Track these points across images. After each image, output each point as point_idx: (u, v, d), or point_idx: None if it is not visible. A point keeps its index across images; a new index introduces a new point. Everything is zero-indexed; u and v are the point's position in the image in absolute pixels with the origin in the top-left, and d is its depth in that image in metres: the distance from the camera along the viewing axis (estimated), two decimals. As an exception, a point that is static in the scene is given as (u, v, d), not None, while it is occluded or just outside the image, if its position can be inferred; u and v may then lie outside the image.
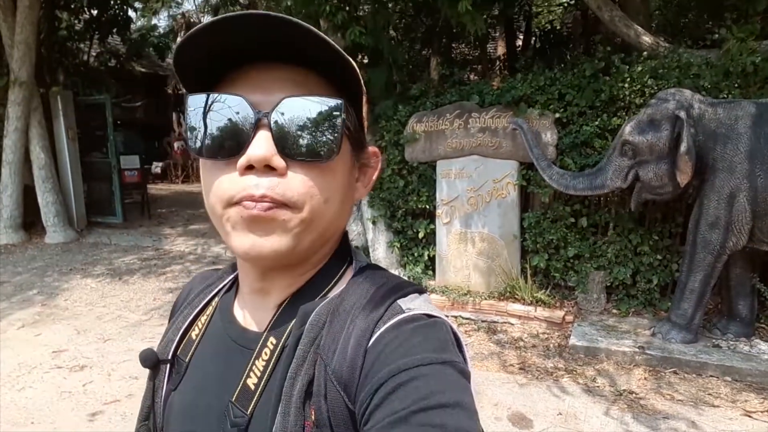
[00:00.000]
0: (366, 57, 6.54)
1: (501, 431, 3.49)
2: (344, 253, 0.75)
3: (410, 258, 6.16)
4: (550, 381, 4.10)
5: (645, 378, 4.12)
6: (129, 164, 10.56)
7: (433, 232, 5.95)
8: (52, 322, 5.41)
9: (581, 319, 5.06)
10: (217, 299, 0.81)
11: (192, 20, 20.26)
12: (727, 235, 4.13)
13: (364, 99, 0.69)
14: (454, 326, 0.65)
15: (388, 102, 6.00)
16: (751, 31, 4.69)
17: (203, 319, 0.79)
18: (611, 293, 5.32)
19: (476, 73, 8.08)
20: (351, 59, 0.63)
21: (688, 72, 4.70)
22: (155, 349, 0.79)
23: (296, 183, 0.61)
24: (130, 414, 3.70)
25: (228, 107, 0.61)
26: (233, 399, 0.66)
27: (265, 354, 0.66)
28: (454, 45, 9.96)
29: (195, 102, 0.63)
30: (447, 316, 0.66)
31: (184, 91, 0.67)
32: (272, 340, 0.67)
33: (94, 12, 10.83)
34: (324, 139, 0.62)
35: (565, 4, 8.32)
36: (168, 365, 0.77)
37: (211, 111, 0.62)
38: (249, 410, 0.64)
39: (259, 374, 0.66)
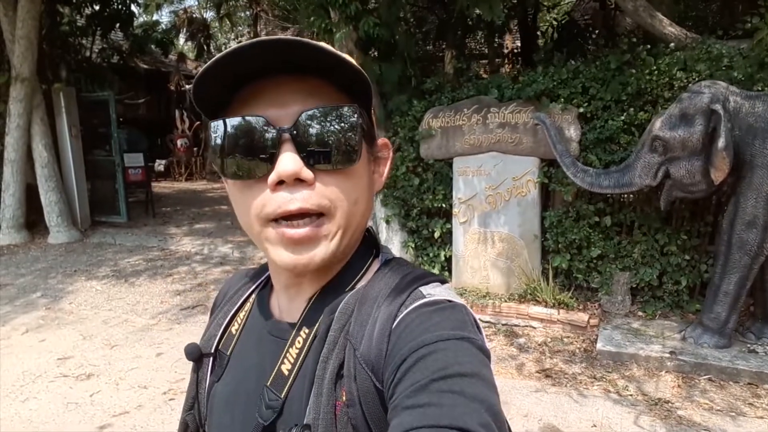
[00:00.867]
0: (377, 51, 6.33)
1: (532, 445, 3.30)
2: (369, 247, 0.79)
3: (425, 258, 5.96)
4: (578, 389, 3.91)
5: (678, 385, 3.93)
6: (133, 162, 10.36)
7: (450, 232, 5.75)
8: (56, 326, 5.23)
9: (606, 322, 4.86)
10: (254, 296, 0.85)
11: (194, 16, 20.08)
12: (765, 235, 3.92)
13: (372, 95, 0.71)
14: (474, 314, 0.68)
15: (402, 97, 5.79)
16: (787, 21, 4.48)
17: (242, 314, 0.83)
18: (636, 295, 5.11)
19: (489, 67, 7.86)
20: (354, 62, 0.65)
21: (719, 63, 4.48)
22: (198, 344, 0.83)
23: (327, 191, 0.65)
24: (140, 427, 3.52)
25: (249, 127, 0.64)
26: (268, 384, 0.70)
27: (298, 342, 0.70)
28: (466, 39, 9.81)
29: (217, 127, 0.66)
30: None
31: (203, 117, 0.70)
32: (305, 329, 0.71)
33: (97, 7, 10.62)
34: (345, 145, 0.66)
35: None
36: (211, 358, 0.81)
37: (233, 134, 0.65)
38: (283, 393, 0.68)
39: (293, 361, 0.69)
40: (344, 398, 0.63)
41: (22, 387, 4.05)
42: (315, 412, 0.64)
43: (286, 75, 0.64)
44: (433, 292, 0.68)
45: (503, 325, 5.04)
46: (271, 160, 0.63)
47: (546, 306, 5.03)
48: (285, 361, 0.70)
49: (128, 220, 9.88)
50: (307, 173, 0.63)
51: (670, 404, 3.68)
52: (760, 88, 4.28)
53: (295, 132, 0.63)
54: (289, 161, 0.62)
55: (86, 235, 9.09)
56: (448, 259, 5.84)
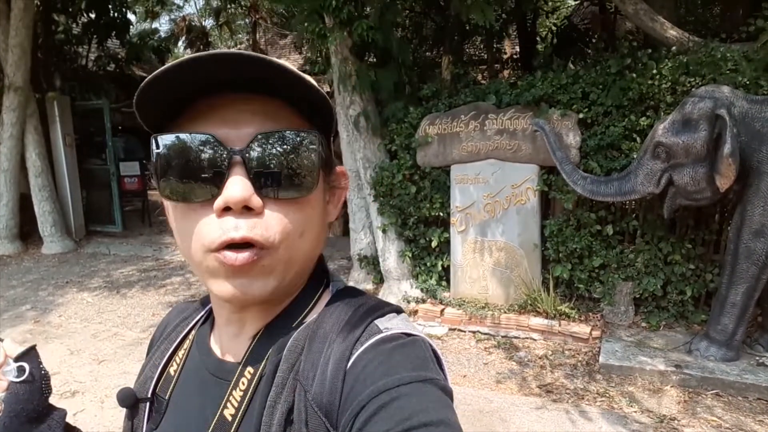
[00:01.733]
0: (374, 56, 6.22)
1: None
2: (320, 277, 0.73)
3: (423, 268, 5.82)
4: (580, 405, 3.76)
5: (684, 401, 3.77)
6: (129, 171, 10.25)
7: (447, 241, 5.61)
8: (44, 341, 5.09)
9: (609, 334, 4.71)
10: (194, 332, 0.78)
11: (193, 24, 20.02)
12: (774, 244, 3.78)
13: (333, 121, 0.69)
14: (434, 344, 0.65)
15: (398, 104, 5.66)
16: (792, 22, 4.35)
17: (181, 353, 0.76)
18: (640, 305, 4.96)
19: (488, 73, 7.73)
20: (317, 85, 0.61)
21: (723, 67, 4.35)
22: (133, 387, 0.76)
23: (274, 222, 0.60)
24: (123, 448, 3.37)
25: (198, 146, 0.59)
26: (209, 431, 0.64)
27: (243, 384, 0.65)
28: (465, 45, 9.69)
29: (161, 142, 0.60)
30: (427, 335, 0.66)
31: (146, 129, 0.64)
32: (249, 369, 0.65)
33: (93, 15, 10.54)
34: (301, 175, 0.61)
35: None
36: (147, 404, 0.74)
37: (178, 152, 0.60)
38: None
39: (236, 405, 0.64)
40: None
41: (4, 405, 3.91)
42: None
43: (242, 93, 0.60)
44: (389, 325, 0.64)
45: (503, 337, 4.90)
46: (218, 183, 0.58)
47: (546, 317, 4.88)
48: (228, 405, 0.64)
49: (124, 229, 9.77)
50: (256, 201, 0.58)
51: (675, 422, 3.53)
52: (766, 92, 4.15)
53: (247, 155, 0.59)
54: (237, 186, 0.57)
55: (81, 245, 8.98)
56: (446, 269, 5.70)
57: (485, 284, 5.38)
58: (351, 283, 0.83)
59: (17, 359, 0.71)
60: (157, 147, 0.60)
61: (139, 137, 15.34)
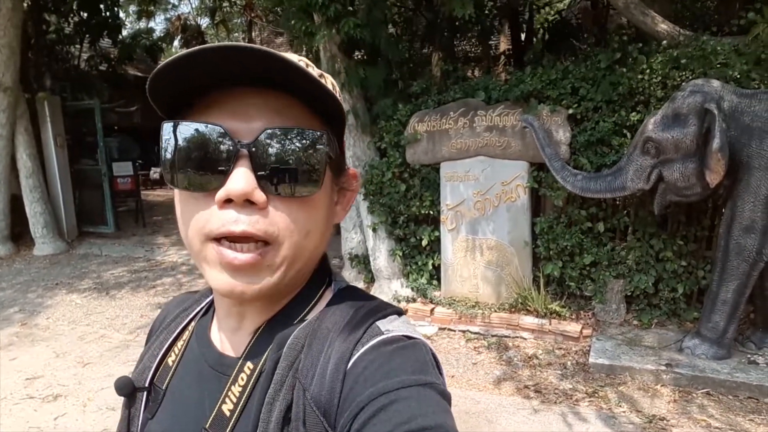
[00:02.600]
0: (363, 54, 6.15)
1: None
2: (322, 275, 0.73)
3: (413, 267, 5.76)
4: (569, 406, 3.70)
5: (674, 400, 3.72)
6: (122, 171, 10.20)
7: (438, 240, 5.55)
8: (30, 344, 5.03)
9: (600, 332, 4.65)
10: (193, 323, 0.78)
11: (189, 23, 19.93)
12: (764, 240, 3.72)
13: (344, 121, 0.68)
14: (433, 348, 0.65)
15: (388, 101, 5.60)
16: (784, 15, 4.28)
17: (180, 344, 0.76)
18: (631, 303, 4.90)
19: (480, 69, 7.67)
20: (331, 89, 0.61)
21: (714, 61, 4.28)
22: (131, 376, 0.75)
23: (278, 218, 0.59)
24: (103, 453, 3.32)
25: (205, 136, 0.59)
26: (207, 426, 0.64)
27: (242, 379, 0.64)
28: (457, 42, 9.59)
29: (169, 130, 0.60)
30: (427, 337, 0.73)
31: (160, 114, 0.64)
32: (249, 365, 0.65)
33: (84, 15, 10.47)
34: (307, 173, 0.61)
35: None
36: (145, 393, 0.74)
37: (187, 140, 0.59)
38: None
39: (235, 400, 0.63)
40: None
41: (-15, 410, 3.86)
42: None
43: (254, 87, 0.60)
44: (391, 327, 0.64)
45: (493, 336, 4.84)
46: (223, 174, 0.58)
47: (537, 316, 4.83)
48: (227, 400, 0.64)
49: (117, 230, 9.71)
50: (259, 195, 0.58)
51: (665, 421, 3.47)
52: (756, 86, 4.09)
53: (254, 149, 0.58)
54: (241, 179, 0.57)
55: (73, 246, 8.92)
56: (437, 268, 5.64)
57: (476, 283, 5.32)
58: (345, 283, 0.77)
59: None
60: (165, 133, 0.60)
61: (134, 137, 15.35)
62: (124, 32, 14.94)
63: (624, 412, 3.59)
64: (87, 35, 10.77)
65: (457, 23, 5.96)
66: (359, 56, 6.25)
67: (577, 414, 3.59)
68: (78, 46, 10.93)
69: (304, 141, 0.60)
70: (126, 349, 4.87)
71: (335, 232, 7.90)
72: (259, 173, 0.58)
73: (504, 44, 11.33)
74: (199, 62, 0.56)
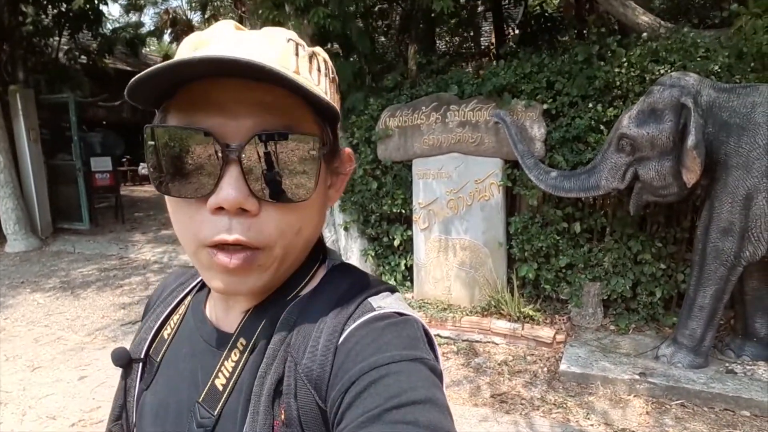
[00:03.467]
0: (336, 45, 5.93)
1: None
2: (316, 253, 0.72)
3: (386, 268, 5.55)
4: (534, 418, 3.48)
5: (647, 412, 3.51)
6: (100, 166, 9.95)
7: (411, 239, 5.34)
8: (-19, 345, 4.82)
9: (574, 338, 4.45)
10: (189, 298, 0.79)
11: (178, 17, 19.67)
12: (743, 243, 3.51)
13: (338, 99, 0.68)
14: (426, 324, 0.65)
15: (359, 95, 5.39)
16: (768, 6, 4.07)
17: (176, 318, 0.77)
18: (609, 307, 4.70)
19: (464, 63, 7.45)
20: (321, 95, 0.59)
21: (694, 54, 4.08)
22: (128, 348, 0.77)
23: (270, 224, 0.59)
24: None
25: (191, 140, 0.57)
26: (200, 399, 0.65)
27: (235, 354, 0.65)
28: (447, 38, 9.38)
29: (154, 135, 0.58)
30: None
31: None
32: (242, 340, 0.65)
33: (63, 6, 10.21)
34: (300, 180, 0.60)
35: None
36: (141, 364, 0.75)
37: (172, 145, 0.57)
38: (216, 411, 0.63)
39: (227, 375, 0.64)
40: (282, 417, 0.59)
41: None
42: None
43: (245, 80, 0.56)
44: (383, 303, 0.65)
45: (463, 341, 4.63)
46: (213, 180, 0.57)
47: (510, 320, 4.61)
48: (219, 375, 0.65)
49: (96, 226, 9.50)
50: (251, 204, 0.57)
51: (635, 435, 3.26)
52: (738, 80, 3.88)
53: (244, 155, 0.57)
54: (232, 188, 0.56)
55: (46, 243, 8.70)
56: (410, 269, 5.43)
57: (449, 285, 5.12)
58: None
59: None
60: (150, 138, 0.58)
61: (122, 132, 15.11)
62: (115, 25, 14.75)
63: (592, 425, 3.39)
64: (66, 27, 10.52)
65: (432, 14, 5.74)
66: (334, 48, 6.03)
67: (540, 426, 3.38)
68: (57, 38, 10.67)
69: (296, 146, 0.59)
70: (80, 353, 4.65)
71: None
72: (249, 179, 0.57)
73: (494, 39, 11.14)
74: (181, 72, 0.54)
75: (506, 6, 7.44)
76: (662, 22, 4.69)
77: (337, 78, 0.68)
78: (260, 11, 5.29)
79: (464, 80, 4.91)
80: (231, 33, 0.62)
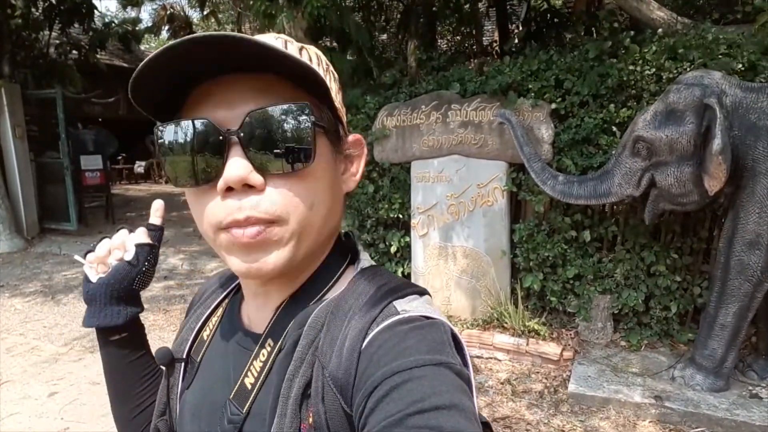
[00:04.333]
0: (333, 41, 5.64)
1: None
2: (344, 252, 0.75)
3: (382, 275, 5.24)
4: (542, 446, 3.19)
5: (664, 440, 3.21)
6: (91, 164, 9.67)
7: (408, 246, 5.04)
8: (-50, 356, 4.53)
9: (582, 354, 4.15)
10: (227, 301, 0.83)
11: (176, 13, 19.38)
12: (771, 257, 3.21)
13: (336, 88, 0.70)
14: (454, 328, 0.64)
15: (356, 91, 5.09)
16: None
17: (214, 319, 0.81)
18: (619, 322, 4.40)
19: (466, 61, 7.14)
20: (306, 60, 0.64)
21: (715, 51, 3.77)
22: (171, 348, 0.80)
23: (278, 196, 0.61)
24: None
25: (195, 131, 0.60)
26: (231, 397, 0.68)
27: (263, 355, 0.67)
28: (449, 36, 9.05)
29: (161, 133, 0.63)
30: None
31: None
32: (270, 341, 0.67)
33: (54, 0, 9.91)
34: (297, 146, 0.61)
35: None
36: (182, 364, 0.79)
37: (180, 138, 0.62)
38: (245, 408, 0.66)
39: (256, 374, 0.67)
40: (310, 420, 0.60)
41: None
42: None
43: (237, 73, 0.60)
44: (408, 307, 0.63)
45: (464, 356, 4.32)
46: (219, 165, 0.60)
47: (513, 334, 4.31)
48: (249, 374, 0.67)
49: (84, 226, 9.23)
50: (256, 178, 0.59)
51: (652, 469, 2.97)
52: (764, 79, 3.57)
53: (242, 134, 0.59)
54: (236, 166, 0.59)
55: (32, 244, 8.40)
56: (407, 277, 5.12)
57: (448, 295, 4.82)
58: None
59: (139, 246, 0.83)
60: (159, 136, 0.62)
61: (118, 130, 14.81)
62: (114, 20, 14.44)
63: (604, 455, 3.09)
64: (57, 21, 10.22)
65: (434, 8, 5.43)
66: (330, 43, 5.74)
67: (549, 457, 3.08)
68: (47, 32, 10.36)
69: (288, 115, 0.61)
70: (53, 365, 4.36)
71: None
72: (251, 156, 0.59)
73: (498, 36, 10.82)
74: (176, 58, 0.56)
75: (509, 1, 7.13)
76: (679, 18, 4.38)
77: (332, 69, 0.70)
78: (251, 2, 4.98)
79: (467, 78, 4.60)
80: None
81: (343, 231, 0.77)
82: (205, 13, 18.94)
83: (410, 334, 0.58)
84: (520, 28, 6.95)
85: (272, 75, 0.61)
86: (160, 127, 0.62)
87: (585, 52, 4.27)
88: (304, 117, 0.61)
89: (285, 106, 0.60)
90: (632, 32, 4.24)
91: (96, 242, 0.87)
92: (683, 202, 3.45)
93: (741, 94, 3.23)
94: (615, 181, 3.63)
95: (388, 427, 0.50)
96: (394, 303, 0.64)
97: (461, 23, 6.69)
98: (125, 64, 17.93)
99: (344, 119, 0.72)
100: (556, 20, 6.26)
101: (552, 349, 4.13)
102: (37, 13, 10.10)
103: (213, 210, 0.61)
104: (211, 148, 0.59)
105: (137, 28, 15.78)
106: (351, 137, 0.72)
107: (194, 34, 0.54)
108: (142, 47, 19.67)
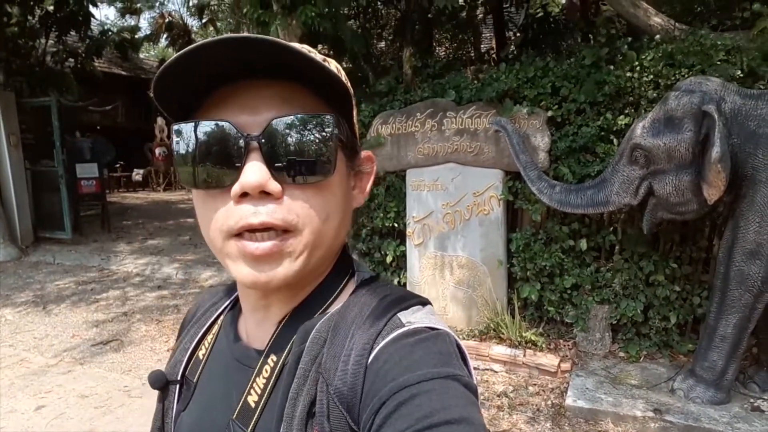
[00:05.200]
0: (328, 48, 5.59)
1: None
2: (345, 266, 0.73)
3: (378, 285, 5.17)
4: (539, 461, 3.11)
5: (664, 455, 3.13)
6: (86, 173, 9.60)
7: (404, 256, 4.98)
8: (-63, 368, 4.44)
9: (580, 366, 4.08)
10: (222, 317, 0.80)
11: (175, 21, 19.41)
12: (772, 267, 3.14)
13: (353, 103, 0.68)
14: (458, 339, 0.64)
15: (351, 99, 5.03)
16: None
17: (210, 337, 0.78)
18: (617, 332, 4.33)
19: (462, 68, 7.10)
20: (334, 70, 0.60)
21: (714, 57, 3.72)
22: (164, 370, 0.78)
23: (295, 206, 0.60)
24: None
25: (215, 133, 0.59)
26: (234, 417, 0.65)
27: (266, 372, 0.65)
28: (446, 44, 9.03)
29: (180, 131, 0.62)
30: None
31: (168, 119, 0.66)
32: (272, 357, 0.66)
33: (50, 8, 9.88)
34: (319, 157, 0.61)
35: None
36: (177, 386, 0.76)
37: (197, 139, 0.60)
38: (249, 428, 0.64)
39: (259, 392, 0.65)
40: None
41: None
42: None
43: (261, 79, 0.59)
44: (412, 318, 0.63)
45: (460, 368, 4.24)
46: (236, 169, 0.58)
47: (510, 345, 4.24)
48: (252, 392, 0.65)
49: (79, 235, 9.14)
50: (273, 186, 0.58)
51: (652, 485, 2.89)
52: (763, 86, 3.52)
53: (263, 140, 0.58)
54: (254, 172, 0.57)
55: (26, 253, 8.33)
56: (402, 287, 5.05)
57: (444, 305, 4.75)
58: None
59: None
60: (176, 135, 0.61)
61: (116, 138, 14.77)
62: (113, 29, 14.44)
63: (603, 471, 3.01)
64: (54, 29, 10.19)
65: (430, 15, 5.40)
66: (325, 51, 5.69)
67: (546, 473, 3.00)
68: (43, 40, 10.34)
69: (312, 126, 0.60)
70: (42, 377, 4.28)
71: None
72: (271, 164, 0.58)
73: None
74: (203, 58, 0.55)
75: (507, 8, 7.11)
76: (677, 24, 4.34)
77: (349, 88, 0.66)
78: (245, 10, 4.94)
79: (462, 85, 4.55)
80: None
81: None
82: (203, 21, 19.03)
83: (417, 346, 0.58)
84: (518, 35, 6.92)
85: (296, 83, 0.60)
86: (177, 126, 0.61)
87: (582, 59, 4.22)
88: (328, 129, 0.60)
89: (310, 116, 0.60)
90: (629, 39, 4.20)
91: None
92: (682, 211, 3.39)
93: (740, 101, 3.18)
94: (612, 190, 3.57)
95: None
96: (399, 315, 0.63)
97: (458, 30, 6.65)
98: (124, 72, 17.95)
99: (358, 134, 0.71)
100: (552, 27, 6.24)
101: (549, 360, 4.05)
102: (34, 21, 10.08)
103: (224, 214, 0.60)
104: (230, 152, 0.58)
105: (136, 36, 15.81)
106: (363, 154, 0.72)
107: (228, 36, 0.53)
108: (141, 55, 19.72)
